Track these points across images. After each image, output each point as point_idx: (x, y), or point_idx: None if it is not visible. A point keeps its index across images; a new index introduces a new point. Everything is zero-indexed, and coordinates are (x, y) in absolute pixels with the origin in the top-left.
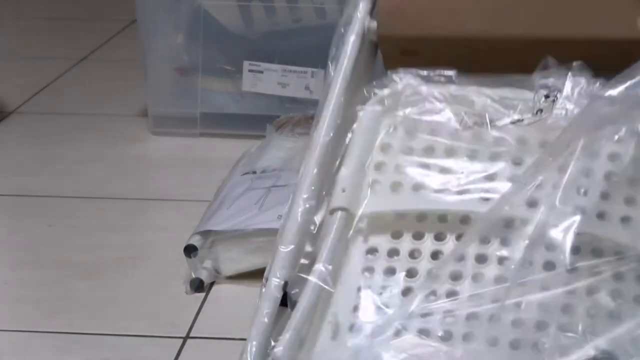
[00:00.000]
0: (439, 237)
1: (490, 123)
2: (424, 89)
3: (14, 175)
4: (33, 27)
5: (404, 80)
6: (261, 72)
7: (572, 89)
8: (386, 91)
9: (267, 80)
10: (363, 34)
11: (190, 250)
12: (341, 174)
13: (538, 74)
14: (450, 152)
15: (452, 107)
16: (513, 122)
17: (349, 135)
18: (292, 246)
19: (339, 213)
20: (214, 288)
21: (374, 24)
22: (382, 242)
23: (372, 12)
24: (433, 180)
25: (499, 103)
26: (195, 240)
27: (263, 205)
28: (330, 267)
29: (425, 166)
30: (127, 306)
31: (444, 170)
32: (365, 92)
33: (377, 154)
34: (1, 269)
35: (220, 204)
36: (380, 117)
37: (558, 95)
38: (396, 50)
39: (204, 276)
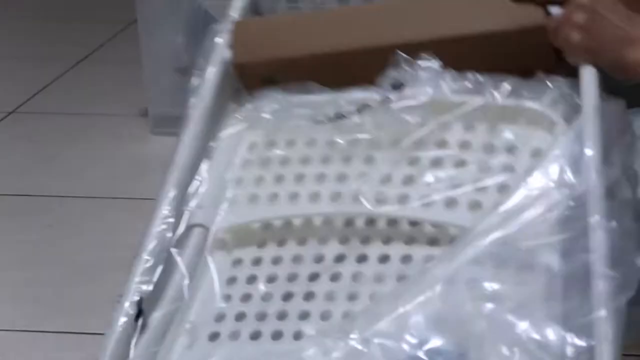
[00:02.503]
0: (302, 242)
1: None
2: (282, 102)
3: (14, 175)
4: (33, 27)
5: (263, 100)
6: None
7: (421, 79)
8: (245, 112)
9: None
10: (224, 65)
11: None
12: (199, 191)
13: (389, 70)
14: (305, 160)
15: (308, 111)
16: (359, 110)
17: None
18: (150, 262)
19: (196, 229)
20: None
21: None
22: (248, 252)
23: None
24: (287, 188)
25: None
26: None
27: None
28: (187, 281)
29: (281, 177)
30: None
31: (298, 178)
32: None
33: (236, 170)
34: (1, 269)
35: None
36: (240, 136)
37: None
38: (255, 79)
39: None
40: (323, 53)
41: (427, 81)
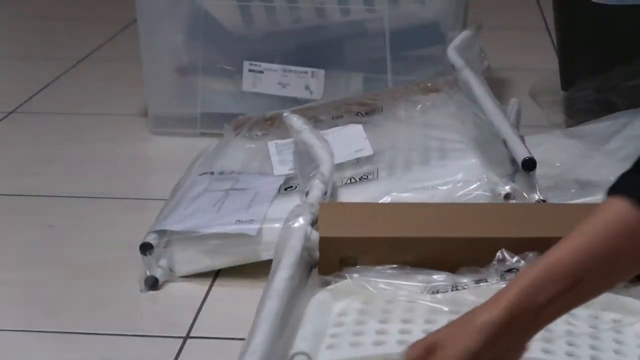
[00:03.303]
0: None
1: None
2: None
3: (14, 175)
4: (33, 27)
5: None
6: (261, 72)
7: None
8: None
9: (267, 80)
10: (304, 241)
11: (145, 248)
12: (298, 339)
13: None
14: (407, 320)
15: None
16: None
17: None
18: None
19: (299, 356)
20: (214, 289)
21: (315, 234)
22: None
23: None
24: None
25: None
26: (152, 239)
27: (221, 209)
28: None
29: (384, 331)
30: (127, 306)
31: (404, 331)
32: (317, 282)
33: (333, 328)
34: (1, 269)
35: (178, 203)
36: (332, 300)
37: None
38: (335, 257)
39: (159, 274)
40: (402, 237)
41: None
